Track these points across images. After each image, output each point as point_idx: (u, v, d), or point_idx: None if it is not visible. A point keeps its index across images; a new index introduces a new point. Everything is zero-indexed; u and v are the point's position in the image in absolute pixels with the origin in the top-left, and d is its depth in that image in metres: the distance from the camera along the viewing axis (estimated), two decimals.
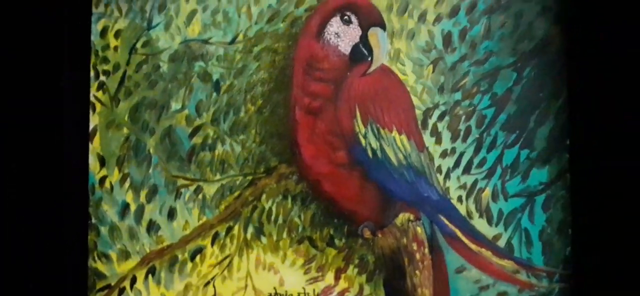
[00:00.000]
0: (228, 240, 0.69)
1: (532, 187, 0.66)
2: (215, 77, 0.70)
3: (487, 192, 0.67)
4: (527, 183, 0.66)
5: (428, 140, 0.68)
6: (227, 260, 0.69)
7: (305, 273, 0.68)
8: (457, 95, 0.68)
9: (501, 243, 0.66)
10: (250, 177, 0.69)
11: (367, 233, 0.68)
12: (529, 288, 0.66)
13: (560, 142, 0.66)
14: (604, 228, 0.65)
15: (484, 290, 0.66)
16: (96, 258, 0.69)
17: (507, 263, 0.66)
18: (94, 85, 0.70)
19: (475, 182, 0.67)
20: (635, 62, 0.65)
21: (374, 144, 0.68)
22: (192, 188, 0.69)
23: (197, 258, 0.69)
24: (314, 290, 0.68)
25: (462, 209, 0.67)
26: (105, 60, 0.71)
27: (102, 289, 0.69)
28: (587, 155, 0.65)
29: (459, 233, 0.67)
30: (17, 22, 0.69)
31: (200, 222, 0.69)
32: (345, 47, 0.68)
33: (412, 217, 0.68)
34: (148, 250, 0.69)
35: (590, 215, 0.65)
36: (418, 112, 0.68)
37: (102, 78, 0.71)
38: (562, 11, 0.66)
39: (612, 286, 0.64)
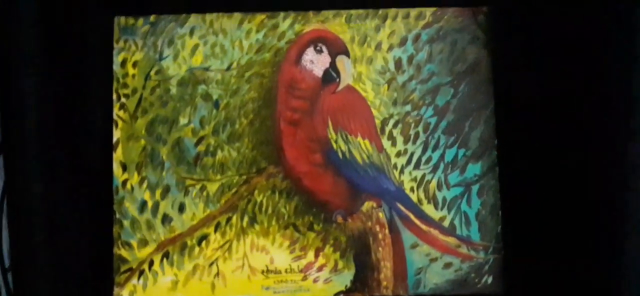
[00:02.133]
0: (228, 228, 0.73)
1: (468, 178, 0.73)
2: (214, 97, 0.74)
3: (433, 183, 0.73)
4: (464, 176, 0.73)
5: (385, 143, 0.74)
6: (228, 244, 0.73)
7: (291, 252, 0.73)
8: (407, 107, 0.74)
9: (446, 223, 0.73)
10: (244, 177, 0.73)
11: (340, 219, 0.73)
12: (469, 259, 0.72)
13: (489, 142, 0.73)
14: (527, 209, 0.72)
15: (433, 261, 0.72)
16: (120, 246, 0.73)
17: (451, 240, 0.73)
18: (116, 106, 0.74)
19: (423, 176, 0.73)
20: (546, 78, 0.73)
21: (343, 147, 0.73)
22: (198, 187, 0.73)
23: (203, 243, 0.73)
24: (298, 266, 0.73)
25: (414, 197, 0.73)
26: (125, 85, 0.74)
27: (125, 271, 0.72)
28: (512, 152, 0.73)
29: (412, 217, 0.73)
30: (57, 58, 0.73)
31: (205, 213, 0.73)
32: (318, 71, 0.74)
33: (375, 205, 0.73)
34: (163, 238, 0.73)
35: (516, 199, 0.72)
36: (377, 121, 0.74)
37: (123, 100, 0.74)
38: (488, 39, 0.74)
39: (534, 255, 0.71)
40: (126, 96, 0.75)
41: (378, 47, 0.75)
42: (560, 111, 0.72)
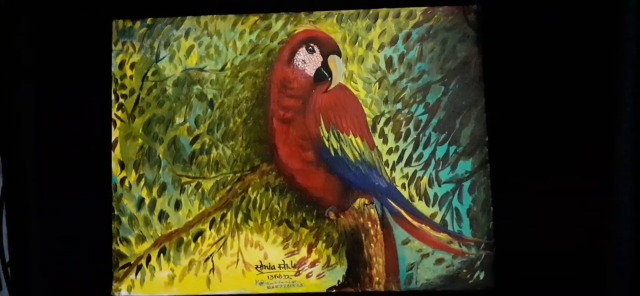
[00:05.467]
0: (222, 224, 0.74)
1: (460, 175, 0.74)
2: (209, 96, 0.75)
3: (425, 180, 0.74)
4: (455, 172, 0.74)
5: (377, 140, 0.74)
6: (222, 240, 0.74)
7: (284, 248, 0.74)
8: (398, 105, 0.74)
9: (437, 219, 0.73)
10: (238, 174, 0.74)
11: (332, 215, 0.74)
12: (461, 255, 0.73)
13: (480, 139, 0.74)
14: (517, 205, 0.73)
15: (425, 257, 0.73)
16: (118, 242, 0.74)
17: (443, 236, 0.73)
18: (114, 106, 0.76)
19: (415, 173, 0.74)
20: (536, 76, 0.73)
21: (335, 145, 0.74)
22: (193, 184, 0.75)
23: (199, 239, 0.74)
24: (291, 262, 0.74)
25: (405, 194, 0.74)
26: (123, 86, 0.76)
27: (123, 266, 0.74)
28: (502, 148, 0.73)
29: (403, 213, 0.74)
30: (56, 60, 0.75)
31: (200, 210, 0.74)
32: (310, 71, 0.75)
33: (366, 201, 0.74)
34: (160, 234, 0.74)
35: (507, 196, 0.73)
36: (368, 119, 0.75)
37: (121, 100, 0.76)
38: (479, 37, 0.75)
39: (526, 250, 0.72)
40: (124, 96, 0.77)
41: (369, 46, 0.76)
42: (550, 107, 0.73)
